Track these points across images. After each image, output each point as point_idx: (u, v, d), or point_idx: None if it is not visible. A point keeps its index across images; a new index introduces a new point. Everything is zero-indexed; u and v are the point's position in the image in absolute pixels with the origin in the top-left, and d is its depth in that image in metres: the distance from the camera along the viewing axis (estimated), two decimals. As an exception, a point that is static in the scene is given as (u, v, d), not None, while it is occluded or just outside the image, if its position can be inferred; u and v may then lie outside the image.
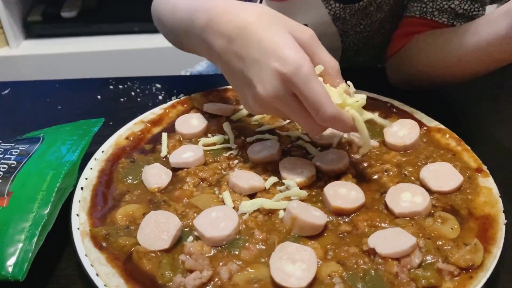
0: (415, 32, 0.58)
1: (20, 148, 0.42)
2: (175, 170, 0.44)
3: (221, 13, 0.42)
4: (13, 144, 0.43)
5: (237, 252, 0.35)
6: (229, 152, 0.46)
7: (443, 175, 0.42)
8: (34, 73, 1.51)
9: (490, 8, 0.57)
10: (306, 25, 0.61)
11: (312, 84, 0.38)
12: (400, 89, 0.60)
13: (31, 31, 1.57)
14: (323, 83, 0.40)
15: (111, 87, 0.64)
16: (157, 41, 1.56)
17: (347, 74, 0.62)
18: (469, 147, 0.46)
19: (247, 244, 0.36)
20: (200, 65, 0.89)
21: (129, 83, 0.65)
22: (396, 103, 0.53)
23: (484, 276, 0.33)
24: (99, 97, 0.62)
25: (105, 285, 0.33)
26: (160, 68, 1.56)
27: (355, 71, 0.68)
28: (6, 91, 0.64)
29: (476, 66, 0.50)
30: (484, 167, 0.43)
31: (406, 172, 0.43)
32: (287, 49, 0.38)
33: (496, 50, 0.46)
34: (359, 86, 0.56)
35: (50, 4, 1.60)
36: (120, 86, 0.65)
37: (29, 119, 0.58)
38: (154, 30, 1.69)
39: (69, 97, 0.63)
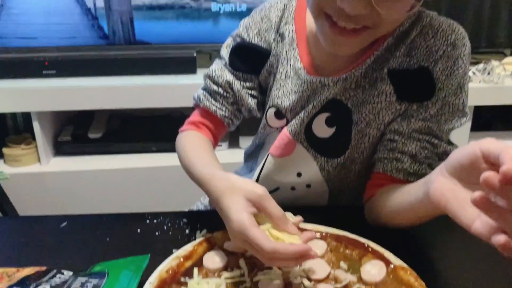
0: (380, 185, 0.76)
1: (93, 282, 0.58)
2: (204, 298, 0.59)
3: (206, 183, 0.67)
4: (86, 278, 0.59)
5: None
6: (244, 285, 0.61)
7: (402, 306, 0.57)
8: (61, 187, 1.68)
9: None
10: (300, 173, 0.81)
11: (250, 233, 0.56)
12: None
13: (60, 149, 1.78)
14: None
15: (148, 221, 0.81)
16: (173, 159, 1.76)
17: (334, 211, 0.80)
18: (423, 283, 0.61)
19: None
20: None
21: (161, 217, 0.82)
22: (372, 244, 0.69)
23: None
24: (138, 230, 0.78)
25: None
26: (177, 185, 1.74)
27: (341, 209, 0.86)
28: (64, 224, 0.81)
29: (412, 218, 0.67)
30: (434, 300, 0.58)
31: (376, 303, 0.58)
32: (234, 214, 0.59)
33: (420, 209, 0.63)
34: (345, 221, 0.73)
35: (79, 126, 1.83)
36: (155, 221, 0.81)
37: (86, 250, 0.73)
38: (170, 150, 1.92)
39: (114, 230, 0.78)
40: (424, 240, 0.76)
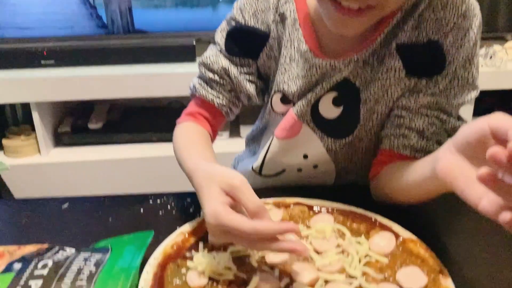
0: (387, 161, 0.74)
1: (96, 257, 0.57)
2: (211, 272, 0.58)
3: (190, 176, 0.65)
4: (89, 253, 0.58)
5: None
6: (251, 258, 0.60)
7: (413, 277, 0.55)
8: (62, 178, 1.67)
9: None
10: (306, 155, 0.80)
11: (225, 219, 0.54)
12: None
13: (60, 140, 1.76)
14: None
15: (151, 201, 0.80)
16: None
17: (341, 190, 0.79)
18: (433, 254, 0.60)
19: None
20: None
21: (165, 198, 0.80)
22: (379, 217, 0.68)
23: None
24: (141, 210, 0.77)
25: None
26: (177, 175, 1.73)
27: (348, 188, 0.85)
28: (65, 205, 0.79)
29: (419, 195, 0.66)
30: (445, 270, 0.57)
31: (386, 275, 0.57)
32: (207, 206, 0.57)
33: (426, 186, 0.62)
34: (351, 200, 0.72)
35: (79, 117, 1.82)
36: (158, 201, 0.80)
37: (88, 230, 0.72)
38: (170, 140, 1.91)
39: (116, 211, 0.77)
40: (431, 216, 0.75)
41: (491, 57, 1.67)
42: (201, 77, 0.82)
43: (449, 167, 0.53)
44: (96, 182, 1.67)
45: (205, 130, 0.82)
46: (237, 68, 0.80)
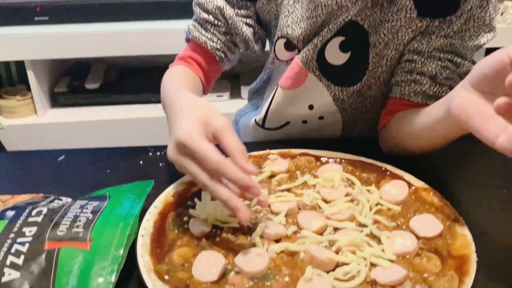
0: (397, 110, 0.71)
1: (93, 204, 0.54)
2: (214, 220, 0.55)
3: (172, 100, 0.60)
4: (86, 201, 0.55)
5: (269, 283, 0.46)
6: (256, 207, 0.57)
7: (427, 224, 0.53)
8: (59, 139, 1.64)
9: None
10: (312, 106, 0.76)
11: (197, 143, 0.50)
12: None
13: (57, 101, 1.72)
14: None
15: (150, 154, 0.76)
16: (173, 109, 1.70)
17: (349, 143, 0.75)
18: (448, 202, 0.57)
19: (276, 277, 0.46)
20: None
21: (164, 150, 0.77)
22: (389, 167, 0.65)
23: (459, 299, 0.43)
24: (141, 162, 0.74)
25: (170, 308, 0.43)
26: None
27: (355, 141, 0.81)
28: (62, 157, 0.76)
29: (432, 140, 0.63)
30: (461, 218, 0.54)
31: (398, 222, 0.54)
32: (186, 123, 0.52)
33: (440, 129, 0.59)
34: (359, 153, 0.69)
35: (76, 77, 1.77)
36: (158, 153, 0.77)
37: (85, 181, 0.69)
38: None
39: (115, 162, 0.74)
40: (442, 168, 0.72)
41: (502, 14, 1.61)
42: (196, 19, 0.77)
43: (464, 104, 0.50)
44: (94, 143, 1.63)
45: (196, 76, 0.76)
46: (234, 9, 0.75)
